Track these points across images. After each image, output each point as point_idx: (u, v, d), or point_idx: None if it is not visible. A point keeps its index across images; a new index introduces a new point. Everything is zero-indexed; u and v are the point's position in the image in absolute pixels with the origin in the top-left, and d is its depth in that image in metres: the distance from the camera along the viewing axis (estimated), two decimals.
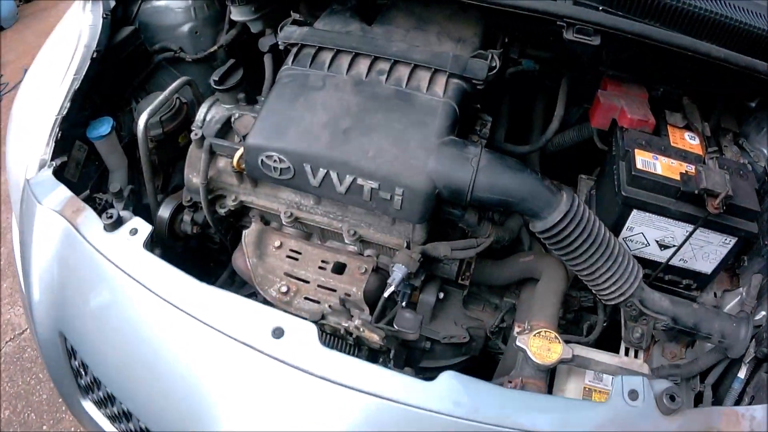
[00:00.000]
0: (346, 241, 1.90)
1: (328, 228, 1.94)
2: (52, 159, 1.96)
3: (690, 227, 1.76)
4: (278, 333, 1.39)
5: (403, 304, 1.78)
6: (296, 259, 1.92)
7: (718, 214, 1.66)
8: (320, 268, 1.90)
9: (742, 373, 1.73)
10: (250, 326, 1.41)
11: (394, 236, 1.86)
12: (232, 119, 2.04)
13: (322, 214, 1.91)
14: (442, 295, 2.05)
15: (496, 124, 2.09)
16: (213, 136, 2.01)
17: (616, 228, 1.82)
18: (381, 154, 1.63)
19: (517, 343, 1.63)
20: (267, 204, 1.97)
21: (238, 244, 2.05)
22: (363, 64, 1.80)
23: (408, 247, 1.78)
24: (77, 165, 2.08)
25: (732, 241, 1.77)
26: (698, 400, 1.82)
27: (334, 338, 1.71)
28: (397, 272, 1.74)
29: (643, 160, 1.77)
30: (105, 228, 1.64)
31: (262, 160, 1.72)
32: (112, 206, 2.02)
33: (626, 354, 1.84)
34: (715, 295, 1.96)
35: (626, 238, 1.86)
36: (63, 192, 1.82)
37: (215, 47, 2.40)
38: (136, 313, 1.54)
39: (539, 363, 1.60)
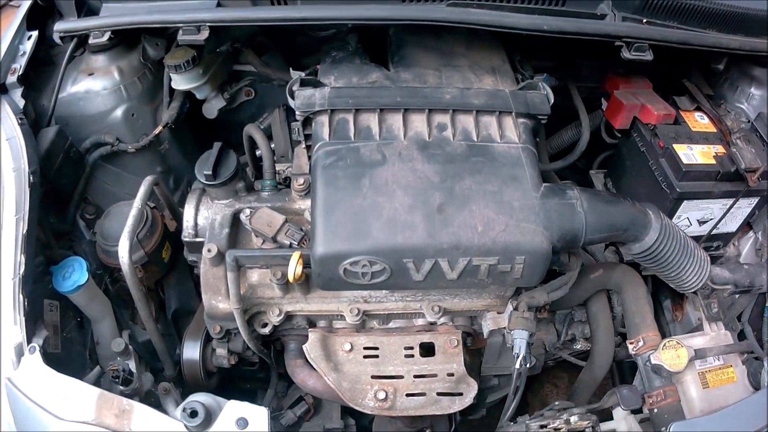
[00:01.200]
0: (430, 318, 1.56)
1: (403, 312, 1.57)
2: (30, 339, 1.32)
3: (725, 201, 1.74)
4: None
5: (527, 366, 1.51)
6: (377, 356, 1.54)
7: None
8: (407, 356, 1.55)
9: None
10: None
11: (482, 299, 1.57)
12: (243, 217, 1.54)
13: (397, 300, 1.55)
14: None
15: None
16: (225, 243, 1.51)
17: None
18: (490, 225, 1.30)
19: (653, 361, 1.57)
20: (323, 307, 1.54)
21: (287, 359, 1.61)
22: (419, 121, 1.42)
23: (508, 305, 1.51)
24: (55, 330, 1.44)
25: (755, 200, 1.80)
26: (742, 337, 1.91)
27: None
28: (521, 340, 1.47)
29: (684, 153, 1.69)
30: (191, 429, 1.11)
31: (345, 269, 1.30)
32: (130, 375, 1.42)
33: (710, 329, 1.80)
34: (733, 245, 2.02)
35: None
36: (79, 388, 1.22)
37: (160, 128, 1.78)
38: None
39: (676, 371, 1.56)
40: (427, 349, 1.56)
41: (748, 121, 1.93)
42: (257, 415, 1.13)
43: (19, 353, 1.31)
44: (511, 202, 1.34)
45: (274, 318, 1.52)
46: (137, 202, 1.54)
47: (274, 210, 1.53)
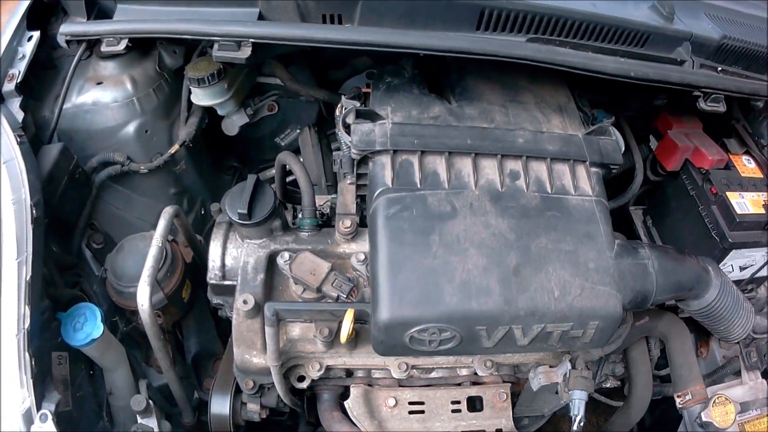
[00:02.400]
0: (481, 373, 1.42)
1: (454, 366, 1.42)
2: (39, 404, 1.10)
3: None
4: None
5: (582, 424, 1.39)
6: (422, 412, 1.40)
7: None
8: (454, 411, 1.41)
9: None
10: None
11: (536, 353, 1.44)
12: (281, 262, 1.32)
13: (447, 354, 1.39)
14: None
15: None
16: (261, 292, 1.30)
17: None
18: (567, 289, 1.16)
19: (704, 419, 1.52)
20: (368, 362, 1.37)
21: (321, 410, 1.43)
22: (490, 168, 1.24)
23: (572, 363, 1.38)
24: (65, 386, 1.21)
25: None
26: (765, 375, 1.84)
27: None
28: (580, 402, 1.36)
29: (737, 202, 1.58)
30: None
31: (411, 336, 1.13)
32: None
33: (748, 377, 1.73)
34: (764, 286, 1.95)
35: None
36: None
37: (176, 146, 1.53)
38: None
39: (725, 428, 1.52)
40: (474, 403, 1.43)
41: None
42: None
43: (29, 421, 1.09)
44: (587, 263, 1.20)
45: (313, 373, 1.34)
46: (157, 239, 1.31)
47: (316, 253, 1.33)
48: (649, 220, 1.88)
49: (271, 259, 1.36)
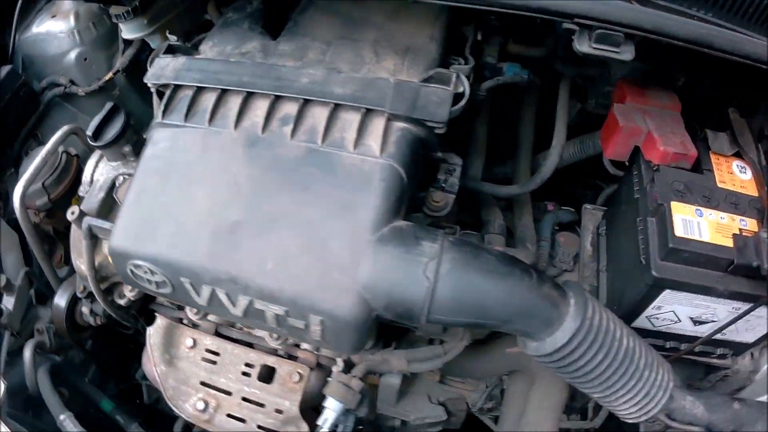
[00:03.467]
0: (271, 343, 1.19)
1: (249, 328, 1.23)
2: None
3: (737, 304, 1.02)
4: None
5: None
6: (214, 363, 1.24)
7: None
8: (244, 374, 1.22)
9: None
10: None
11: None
12: (116, 185, 1.28)
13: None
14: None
15: (469, 158, 1.31)
16: (96, 208, 1.27)
17: (639, 307, 1.09)
18: (286, 264, 0.88)
19: None
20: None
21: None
22: (260, 110, 1.00)
23: (347, 366, 1.07)
24: None
25: None
26: None
27: None
28: (330, 411, 1.05)
29: (684, 219, 1.00)
30: None
31: (131, 269, 0.99)
32: None
33: None
34: (752, 356, 1.25)
35: (651, 316, 1.12)
36: None
37: (110, 74, 1.60)
38: None
39: None
40: (269, 376, 1.22)
41: None
42: None
43: None
44: (328, 240, 0.89)
45: (128, 293, 1.29)
46: (46, 148, 1.37)
47: None
48: (603, 226, 1.32)
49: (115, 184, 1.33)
